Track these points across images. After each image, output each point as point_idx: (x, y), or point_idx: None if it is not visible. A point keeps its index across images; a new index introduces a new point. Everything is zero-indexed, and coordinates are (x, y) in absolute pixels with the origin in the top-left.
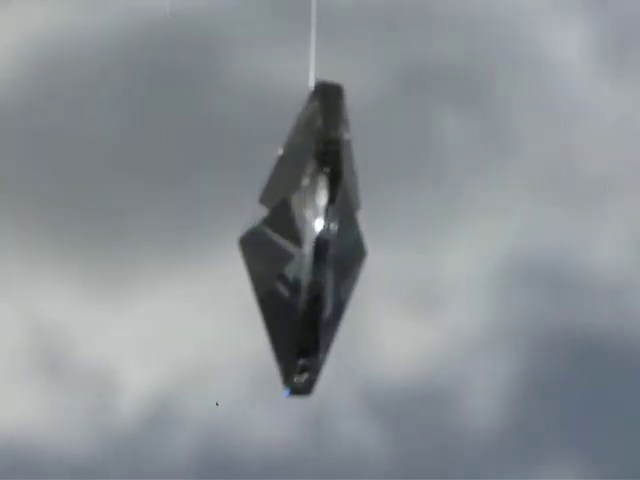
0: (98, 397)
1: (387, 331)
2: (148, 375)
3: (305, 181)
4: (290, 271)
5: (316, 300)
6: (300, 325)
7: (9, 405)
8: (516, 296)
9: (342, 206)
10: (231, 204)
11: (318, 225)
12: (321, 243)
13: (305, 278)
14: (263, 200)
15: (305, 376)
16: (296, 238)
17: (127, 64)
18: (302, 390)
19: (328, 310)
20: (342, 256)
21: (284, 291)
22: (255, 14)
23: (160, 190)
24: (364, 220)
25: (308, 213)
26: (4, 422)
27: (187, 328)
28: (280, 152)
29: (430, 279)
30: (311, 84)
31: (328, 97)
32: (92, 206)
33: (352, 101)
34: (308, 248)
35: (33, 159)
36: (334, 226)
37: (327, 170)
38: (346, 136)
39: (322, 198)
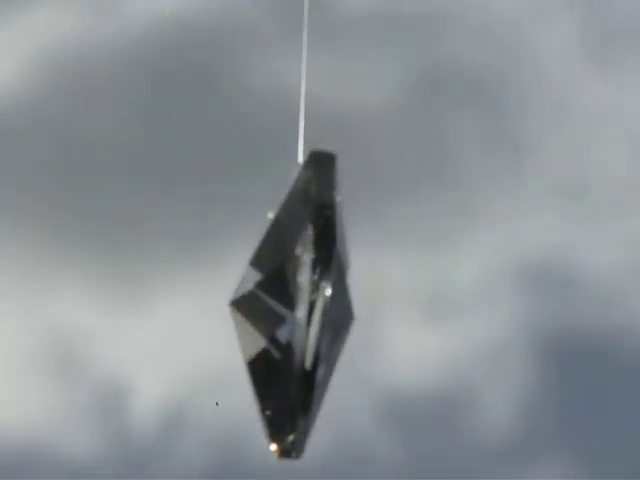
0: (112, 400)
1: (402, 338)
2: (163, 379)
3: (299, 247)
4: (282, 334)
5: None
6: (293, 387)
7: (24, 407)
8: (531, 303)
9: (335, 270)
10: (248, 206)
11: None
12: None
13: (298, 341)
14: (255, 263)
15: (296, 439)
16: (290, 303)
17: (140, 67)
18: (294, 453)
19: (320, 372)
20: (333, 319)
21: (275, 354)
22: (271, 16)
23: (177, 193)
24: (380, 231)
25: (302, 278)
26: (18, 424)
27: (203, 332)
28: (271, 216)
29: (445, 286)
30: (300, 154)
31: (323, 166)
32: (108, 209)
33: (366, 109)
34: (302, 312)
35: (48, 162)
36: (328, 290)
37: (321, 235)
38: (338, 200)
39: (316, 263)
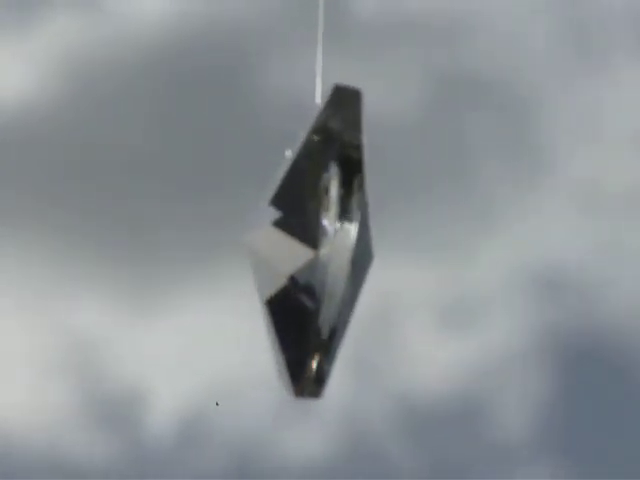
0: (129, 408)
1: (421, 344)
2: (179, 389)
3: (322, 186)
4: (303, 273)
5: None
6: (313, 328)
7: (41, 414)
8: (547, 310)
9: (361, 210)
10: (266, 213)
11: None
12: None
13: (319, 281)
14: (275, 202)
15: (316, 378)
16: (312, 241)
17: (156, 73)
18: (314, 392)
19: (340, 313)
20: (355, 259)
21: (295, 293)
22: (289, 21)
23: (193, 203)
24: (398, 235)
25: (326, 217)
26: (35, 431)
27: (219, 343)
28: (289, 154)
29: (462, 293)
30: (318, 93)
31: (348, 102)
32: (125, 217)
33: (384, 114)
34: (324, 251)
35: (65, 168)
36: (352, 229)
37: (347, 174)
38: (363, 139)
39: (343, 202)
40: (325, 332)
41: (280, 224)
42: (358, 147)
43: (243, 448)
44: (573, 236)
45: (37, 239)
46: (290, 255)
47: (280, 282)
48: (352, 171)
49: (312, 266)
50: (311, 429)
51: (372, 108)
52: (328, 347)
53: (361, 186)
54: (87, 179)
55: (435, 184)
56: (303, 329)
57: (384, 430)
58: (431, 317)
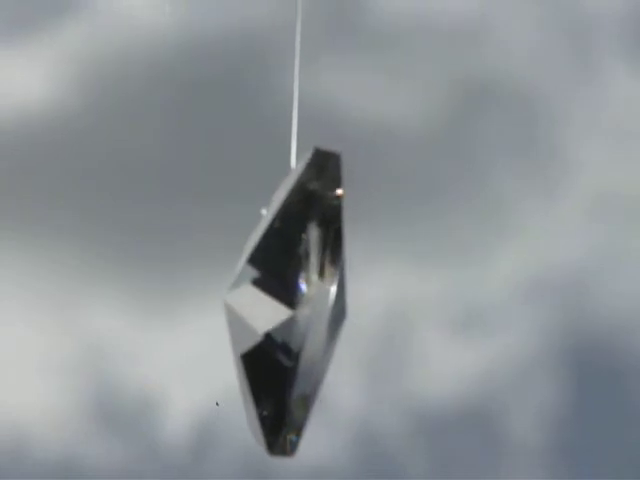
0: (143, 415)
1: (434, 350)
2: (194, 393)
3: (301, 246)
4: (279, 332)
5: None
6: (290, 385)
7: (55, 420)
8: (561, 317)
9: (338, 269)
10: None
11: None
12: None
13: (295, 339)
14: (253, 262)
15: (292, 438)
16: (289, 301)
17: (173, 81)
18: (287, 451)
19: (316, 371)
20: (333, 318)
21: (271, 350)
22: (308, 28)
23: (209, 209)
24: (415, 243)
25: (304, 277)
26: (49, 436)
27: None
28: (265, 212)
29: (475, 301)
30: (293, 156)
31: (328, 165)
32: (142, 224)
33: (402, 119)
34: (301, 310)
35: (82, 176)
36: (329, 289)
37: (330, 232)
38: (342, 201)
39: (321, 263)
40: (301, 390)
41: (258, 283)
42: (338, 209)
43: (257, 453)
44: (588, 241)
45: (53, 243)
46: (267, 313)
47: (256, 339)
48: (331, 232)
49: (289, 325)
50: (324, 433)
51: (387, 111)
52: (303, 405)
53: (339, 247)
54: (103, 184)
55: (450, 189)
56: (278, 386)
57: (396, 435)
58: (444, 323)
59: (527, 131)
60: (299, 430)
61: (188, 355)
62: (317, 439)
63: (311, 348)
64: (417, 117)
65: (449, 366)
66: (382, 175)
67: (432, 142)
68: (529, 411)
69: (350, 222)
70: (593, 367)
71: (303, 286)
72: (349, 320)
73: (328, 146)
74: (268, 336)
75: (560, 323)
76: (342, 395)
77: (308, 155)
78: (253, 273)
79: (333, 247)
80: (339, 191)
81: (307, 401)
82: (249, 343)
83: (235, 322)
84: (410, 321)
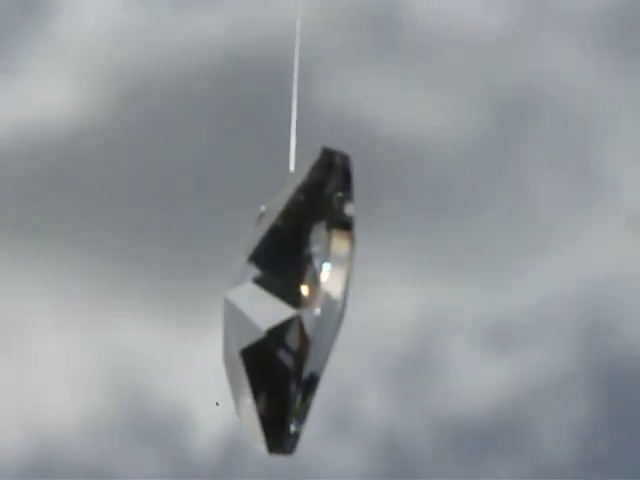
0: (173, 427)
1: (464, 363)
2: (225, 406)
3: (312, 246)
4: (281, 331)
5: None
6: (289, 382)
7: (87, 434)
8: (592, 333)
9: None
10: None
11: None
12: None
13: (296, 337)
14: (255, 259)
15: (293, 437)
16: (291, 299)
17: (207, 93)
18: (287, 449)
19: (315, 369)
20: (336, 319)
21: (273, 348)
22: (339, 39)
23: (240, 218)
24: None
25: (307, 276)
26: (79, 450)
27: None
28: (264, 209)
29: (509, 313)
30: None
31: (337, 167)
32: (174, 234)
33: (436, 133)
34: (304, 309)
35: (114, 185)
36: (334, 288)
37: (342, 238)
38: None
39: (324, 261)
40: (301, 389)
41: (260, 282)
42: (349, 213)
43: (285, 465)
44: (621, 258)
45: (83, 257)
46: (269, 311)
47: (257, 336)
48: (341, 233)
49: (291, 324)
50: (352, 446)
51: (422, 124)
52: (303, 403)
53: (351, 248)
54: (133, 193)
55: (484, 203)
56: (277, 385)
57: (425, 449)
58: (475, 337)
59: (564, 147)
60: (298, 428)
61: (217, 367)
62: (345, 452)
63: (314, 348)
64: (452, 130)
65: (479, 381)
66: (416, 188)
67: (467, 156)
68: (559, 426)
69: (384, 235)
70: (624, 383)
71: (307, 285)
72: (380, 335)
73: (360, 159)
74: (270, 333)
75: (591, 339)
76: (371, 408)
77: (315, 156)
78: (254, 271)
79: (342, 248)
80: (349, 208)
81: (307, 398)
82: (250, 339)
83: (235, 319)
84: (441, 335)
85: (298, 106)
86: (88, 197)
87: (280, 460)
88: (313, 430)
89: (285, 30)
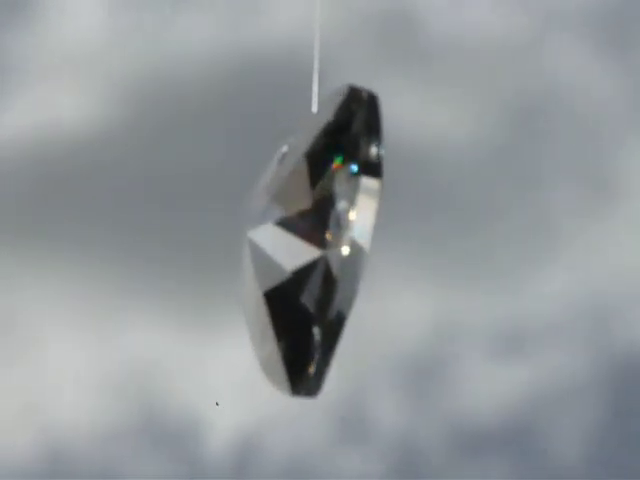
0: (188, 432)
1: (477, 371)
2: (241, 411)
3: (339, 185)
4: (305, 272)
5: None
6: (313, 324)
7: (98, 438)
8: (610, 338)
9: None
10: None
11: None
12: None
13: (320, 279)
14: (279, 199)
15: (317, 377)
16: (316, 241)
17: (225, 101)
18: (311, 390)
19: (341, 310)
20: (360, 261)
21: (296, 290)
22: (359, 45)
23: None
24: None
25: (331, 217)
26: (93, 453)
27: None
28: (285, 149)
29: (522, 320)
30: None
31: (364, 106)
32: (190, 240)
33: (459, 138)
34: (327, 251)
35: (130, 193)
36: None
37: (372, 178)
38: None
39: (349, 202)
40: (325, 330)
41: (283, 224)
42: (377, 155)
43: (299, 473)
44: (636, 265)
45: (98, 261)
46: (293, 252)
47: (282, 277)
48: (370, 176)
49: (316, 265)
50: (365, 453)
51: (441, 134)
52: (327, 345)
53: (378, 192)
54: (150, 201)
55: (499, 210)
56: (302, 326)
57: (439, 454)
58: (489, 342)
59: (578, 154)
60: (323, 370)
61: (233, 371)
62: (359, 456)
63: (338, 288)
64: (466, 137)
65: (492, 386)
66: (429, 195)
67: (481, 163)
68: (573, 432)
69: (397, 242)
70: (638, 387)
71: (332, 229)
72: (395, 341)
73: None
74: (295, 275)
75: (604, 345)
76: (385, 413)
77: (341, 94)
78: (278, 212)
79: (370, 192)
80: (374, 149)
81: (332, 339)
82: (275, 281)
83: (259, 259)
84: (454, 341)
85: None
86: (102, 204)
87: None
88: (325, 436)
89: (299, 34)
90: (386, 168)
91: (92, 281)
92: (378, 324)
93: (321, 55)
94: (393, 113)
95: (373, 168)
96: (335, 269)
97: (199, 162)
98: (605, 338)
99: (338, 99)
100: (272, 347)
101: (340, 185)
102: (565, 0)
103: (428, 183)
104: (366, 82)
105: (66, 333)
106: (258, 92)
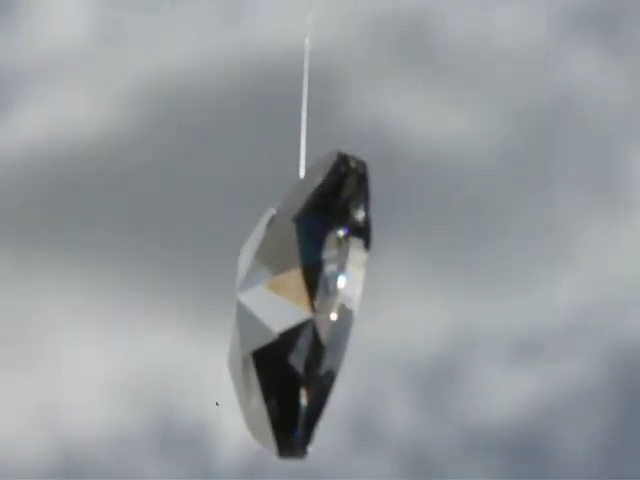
0: (199, 439)
1: (493, 378)
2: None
3: (328, 251)
4: (294, 334)
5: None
6: (302, 386)
7: (115, 442)
8: (623, 345)
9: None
10: None
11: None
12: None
13: (309, 340)
14: (266, 262)
15: (304, 440)
16: (308, 304)
17: (237, 104)
18: (299, 453)
19: (330, 371)
20: (346, 320)
21: (284, 351)
22: (371, 52)
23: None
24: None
25: (320, 280)
26: (109, 457)
27: None
28: (274, 212)
29: (536, 325)
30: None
31: (353, 174)
32: (205, 242)
33: (471, 145)
34: (318, 311)
35: (144, 197)
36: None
37: (360, 243)
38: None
39: (341, 265)
40: (314, 393)
41: (275, 285)
42: (365, 223)
43: (310, 476)
44: None
45: (113, 264)
46: (283, 314)
47: (270, 338)
48: (359, 240)
49: (305, 327)
50: (379, 457)
51: (456, 140)
52: (316, 407)
53: (367, 257)
54: (165, 204)
55: (513, 216)
56: (290, 388)
57: (452, 460)
58: (503, 349)
59: (591, 159)
60: (310, 430)
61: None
62: (372, 463)
63: (327, 352)
64: (480, 144)
65: (506, 393)
66: (444, 201)
67: (496, 169)
68: (586, 439)
69: (413, 248)
70: None
71: (320, 295)
72: (408, 348)
73: (387, 171)
74: (283, 336)
75: (618, 351)
76: (398, 420)
77: (330, 160)
78: (266, 274)
79: (355, 257)
80: (365, 214)
81: (320, 402)
82: (262, 341)
83: (246, 321)
84: (467, 347)
85: (331, 119)
86: (122, 211)
87: (292, 463)
88: (340, 441)
89: (312, 41)
90: (402, 175)
91: (112, 287)
92: (393, 330)
93: (334, 62)
94: (409, 121)
95: (362, 233)
96: (323, 333)
97: (202, 164)
98: (620, 344)
99: (327, 164)
100: (259, 408)
101: (329, 250)
102: (581, 8)
103: (441, 190)
104: (381, 91)
105: (81, 336)
106: (260, 96)
